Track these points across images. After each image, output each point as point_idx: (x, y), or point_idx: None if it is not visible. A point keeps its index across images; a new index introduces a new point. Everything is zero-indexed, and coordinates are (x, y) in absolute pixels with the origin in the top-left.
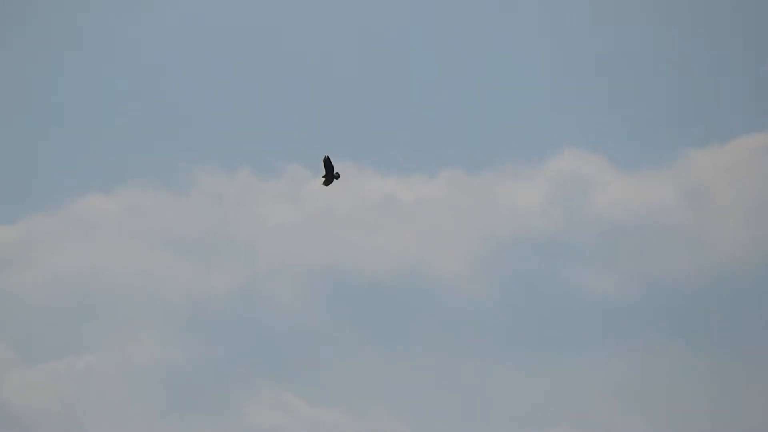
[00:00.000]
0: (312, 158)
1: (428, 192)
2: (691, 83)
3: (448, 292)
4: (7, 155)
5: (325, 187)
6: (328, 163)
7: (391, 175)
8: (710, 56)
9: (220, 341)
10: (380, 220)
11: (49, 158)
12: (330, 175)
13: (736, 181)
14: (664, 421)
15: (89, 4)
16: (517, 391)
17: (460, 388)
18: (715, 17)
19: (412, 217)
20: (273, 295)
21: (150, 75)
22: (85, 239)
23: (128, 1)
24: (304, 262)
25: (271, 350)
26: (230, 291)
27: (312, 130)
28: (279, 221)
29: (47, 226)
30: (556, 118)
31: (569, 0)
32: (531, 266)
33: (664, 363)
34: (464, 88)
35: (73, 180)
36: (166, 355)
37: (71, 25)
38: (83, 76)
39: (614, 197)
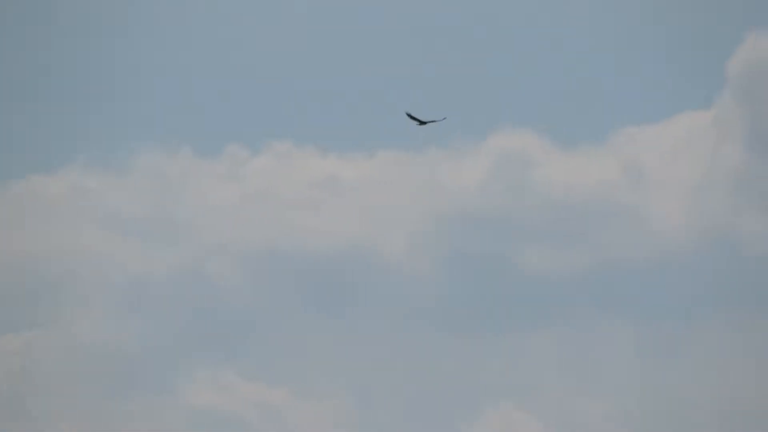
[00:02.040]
0: (252, 138)
1: (369, 171)
2: (627, 61)
3: (392, 269)
4: None
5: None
6: (413, 117)
7: (332, 154)
8: (648, 34)
9: (162, 320)
10: (322, 199)
11: None
12: (420, 121)
13: (674, 158)
14: (608, 396)
15: None
16: (462, 368)
17: (406, 365)
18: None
19: (353, 196)
20: (215, 274)
21: (87, 53)
22: (26, 220)
23: None
24: (246, 241)
25: (212, 329)
26: (173, 270)
27: (251, 109)
28: (221, 201)
29: None
30: (494, 97)
31: None
32: (473, 243)
33: (609, 338)
34: (400, 67)
35: (14, 161)
36: (109, 334)
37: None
38: (17, 55)
39: (555, 174)
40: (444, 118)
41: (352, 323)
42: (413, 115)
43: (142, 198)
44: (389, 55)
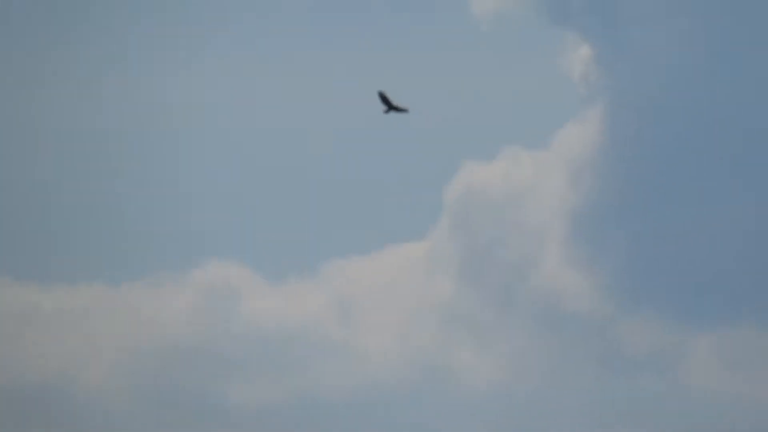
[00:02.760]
0: None
1: (70, 302)
2: (336, 193)
3: (90, 404)
4: None
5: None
6: (385, 99)
7: (31, 284)
8: (360, 163)
9: None
10: (19, 330)
11: None
12: (389, 104)
13: (385, 290)
14: None
15: None
16: None
17: None
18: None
19: (52, 328)
20: None
21: None
22: None
23: None
24: None
25: None
26: None
27: None
28: None
29: None
30: (200, 229)
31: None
32: (175, 377)
33: None
34: (99, 200)
35: None
36: None
37: None
38: None
39: (261, 307)
40: (407, 111)
41: None
42: (386, 96)
43: None
44: (93, 184)
